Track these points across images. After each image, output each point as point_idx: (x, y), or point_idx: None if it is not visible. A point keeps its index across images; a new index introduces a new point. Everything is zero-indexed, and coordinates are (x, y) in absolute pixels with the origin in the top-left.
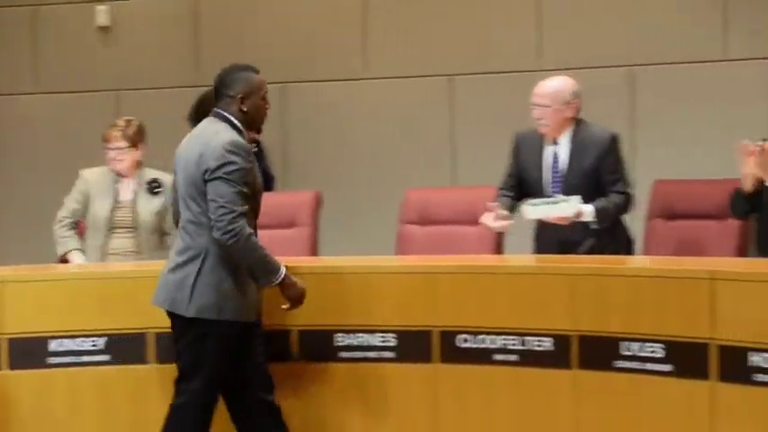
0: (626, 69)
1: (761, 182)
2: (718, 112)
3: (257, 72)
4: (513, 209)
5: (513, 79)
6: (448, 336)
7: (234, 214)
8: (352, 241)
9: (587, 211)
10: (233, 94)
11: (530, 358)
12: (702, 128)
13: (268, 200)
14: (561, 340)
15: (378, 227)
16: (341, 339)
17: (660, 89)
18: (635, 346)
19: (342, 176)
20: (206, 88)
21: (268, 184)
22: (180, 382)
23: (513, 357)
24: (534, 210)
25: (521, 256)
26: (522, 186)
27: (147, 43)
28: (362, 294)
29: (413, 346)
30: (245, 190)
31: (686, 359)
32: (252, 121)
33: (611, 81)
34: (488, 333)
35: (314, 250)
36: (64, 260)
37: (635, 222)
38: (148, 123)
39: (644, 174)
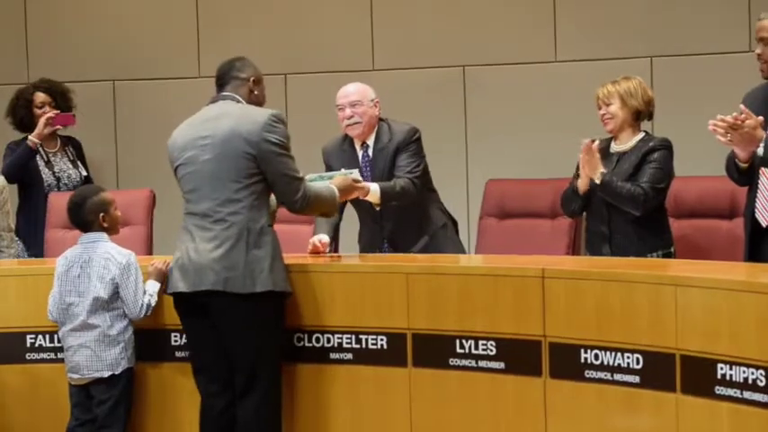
0: (458, 69)
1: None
2: (548, 112)
3: None
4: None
5: (347, 78)
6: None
7: (301, 182)
8: None
9: (374, 189)
10: (245, 77)
11: (365, 356)
12: (533, 127)
13: None
14: (396, 338)
15: None
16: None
17: (492, 89)
18: (469, 343)
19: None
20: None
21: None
22: (248, 367)
23: (349, 356)
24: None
25: (356, 255)
26: None
27: None
28: None
29: None
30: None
31: (519, 357)
32: (258, 106)
33: (444, 81)
34: (323, 332)
35: (149, 249)
36: None
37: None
38: None
39: (476, 173)
